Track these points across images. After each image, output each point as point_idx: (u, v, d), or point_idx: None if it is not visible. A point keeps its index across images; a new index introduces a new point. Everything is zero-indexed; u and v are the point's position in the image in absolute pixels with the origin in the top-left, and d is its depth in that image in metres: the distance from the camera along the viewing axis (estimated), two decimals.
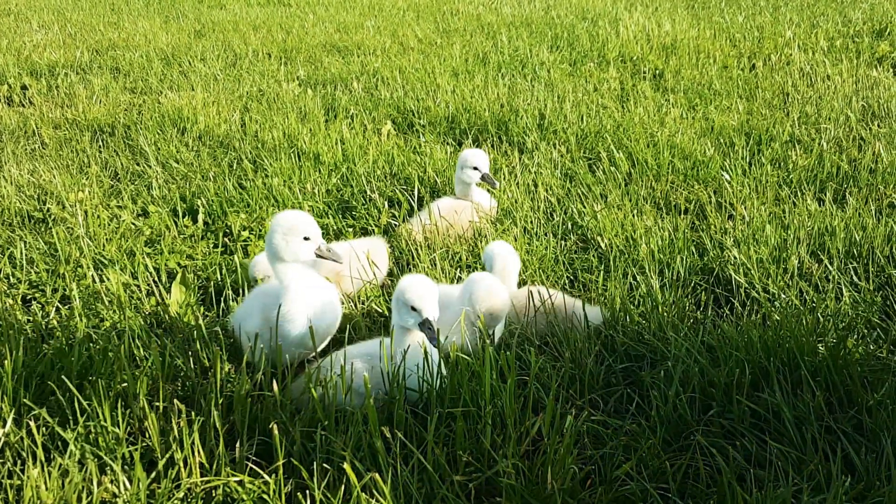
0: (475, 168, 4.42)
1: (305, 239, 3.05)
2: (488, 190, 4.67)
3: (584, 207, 4.53)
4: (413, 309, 2.92)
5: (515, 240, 4.18)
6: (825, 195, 4.52)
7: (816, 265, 3.77)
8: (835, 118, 5.83)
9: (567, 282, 3.89)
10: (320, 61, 8.69)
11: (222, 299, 3.66)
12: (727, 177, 4.83)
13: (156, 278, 3.81)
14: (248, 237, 4.38)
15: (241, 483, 2.48)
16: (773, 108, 6.22)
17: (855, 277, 3.68)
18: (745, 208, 4.39)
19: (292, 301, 3.06)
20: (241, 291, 3.62)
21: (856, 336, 3.22)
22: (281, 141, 5.82)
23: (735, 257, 3.83)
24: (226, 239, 4.42)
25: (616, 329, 3.36)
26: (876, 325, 3.32)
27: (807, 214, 4.23)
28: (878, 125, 5.68)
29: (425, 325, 2.91)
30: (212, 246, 4.37)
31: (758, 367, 2.98)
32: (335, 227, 4.50)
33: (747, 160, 5.13)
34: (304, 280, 3.10)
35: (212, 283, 3.88)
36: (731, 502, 2.33)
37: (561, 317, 3.39)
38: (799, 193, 4.60)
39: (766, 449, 2.62)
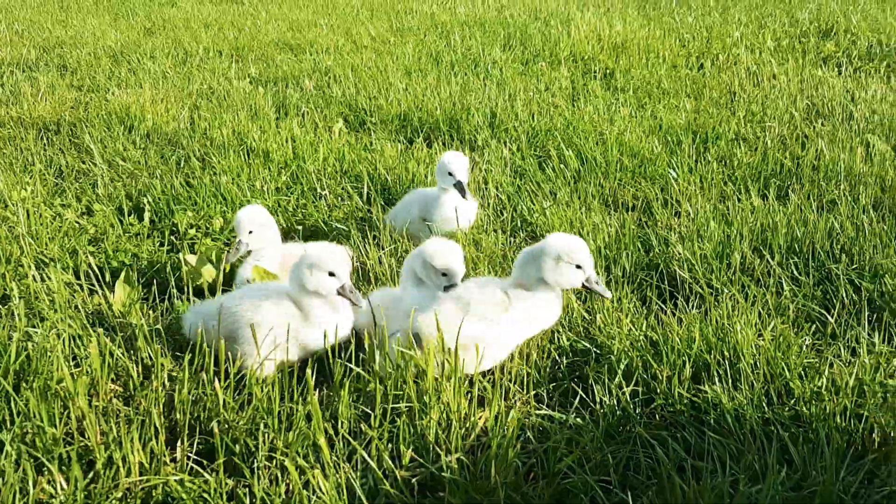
0: (450, 174, 4.17)
1: (331, 275, 3.04)
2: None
3: (534, 204, 4.55)
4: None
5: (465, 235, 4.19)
6: (769, 192, 4.59)
7: (759, 260, 3.82)
8: (779, 116, 5.92)
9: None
10: (272, 59, 8.63)
11: (166, 298, 3.62)
12: (674, 174, 4.88)
13: (99, 277, 3.74)
14: (195, 235, 4.33)
15: (180, 482, 2.45)
16: (719, 107, 6.29)
17: (796, 272, 3.74)
18: (691, 205, 4.43)
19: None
20: (185, 290, 3.57)
21: (795, 329, 3.27)
22: (230, 139, 5.76)
23: (679, 253, 3.86)
24: (172, 237, 4.37)
25: (562, 324, 3.38)
26: (815, 318, 3.37)
27: (750, 211, 4.29)
28: (822, 123, 5.77)
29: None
30: (158, 244, 4.31)
31: (700, 360, 3.02)
32: (285, 226, 4.46)
33: (694, 158, 5.18)
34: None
35: (156, 281, 3.83)
36: (669, 493, 2.35)
37: None
38: (743, 190, 4.66)
39: (707, 441, 2.65)
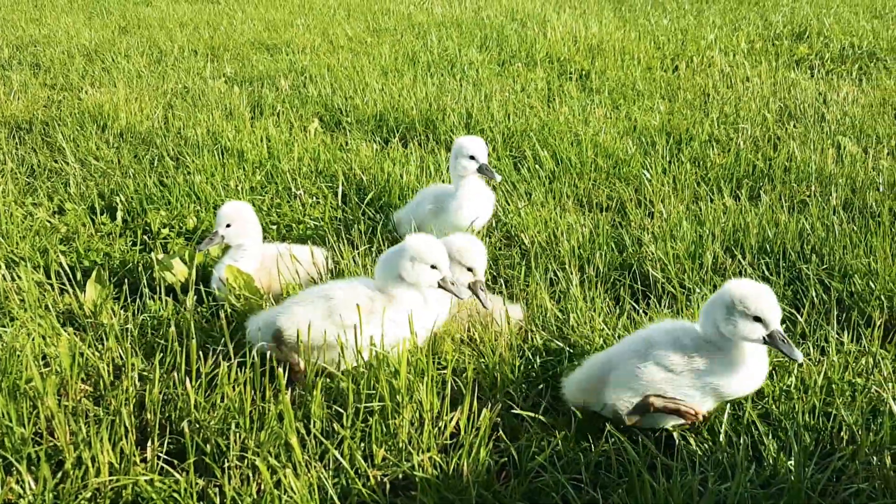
0: (472, 157, 4.00)
1: (433, 267, 3.03)
2: (487, 182, 4.28)
3: (509, 205, 4.55)
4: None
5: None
6: (741, 193, 4.62)
7: (730, 260, 3.85)
8: (752, 118, 5.96)
9: (490, 278, 3.90)
10: (248, 59, 8.59)
11: (138, 297, 3.59)
12: (648, 175, 4.90)
13: (70, 276, 3.71)
14: (168, 234, 4.30)
15: (150, 482, 2.43)
16: (693, 109, 6.33)
17: (767, 272, 3.76)
18: (664, 205, 4.46)
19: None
20: (157, 289, 3.55)
21: None
22: (205, 138, 5.73)
23: (652, 253, 3.89)
24: (145, 236, 4.34)
25: (535, 324, 3.39)
26: (785, 317, 3.40)
27: (722, 211, 4.32)
28: (794, 125, 5.82)
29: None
30: (130, 244, 4.28)
31: None
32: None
33: (667, 159, 5.21)
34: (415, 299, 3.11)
35: (128, 281, 3.80)
36: (639, 491, 2.37)
37: (482, 312, 3.40)
38: (716, 191, 4.69)
39: (677, 439, 2.67)
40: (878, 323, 3.18)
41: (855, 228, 4.06)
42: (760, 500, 2.36)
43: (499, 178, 4.09)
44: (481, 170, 4.03)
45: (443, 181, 4.88)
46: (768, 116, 5.98)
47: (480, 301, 3.21)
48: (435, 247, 3.05)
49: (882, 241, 3.83)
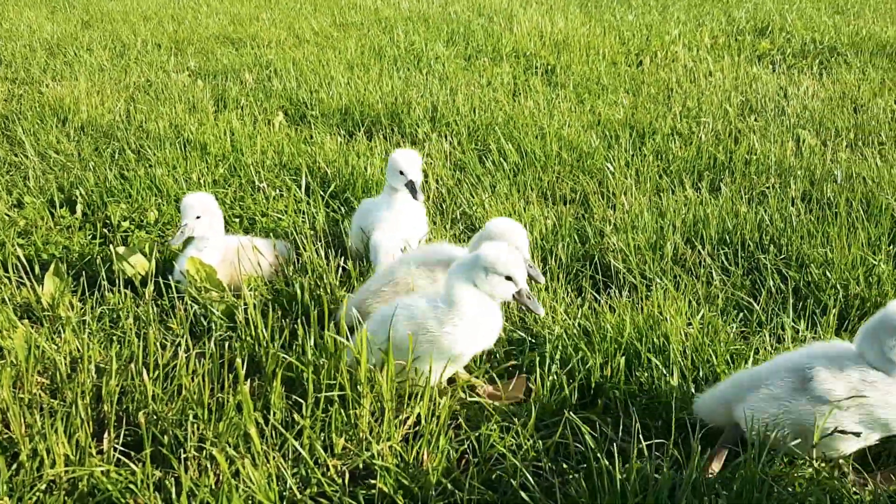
0: (401, 172, 3.83)
1: (508, 279, 2.84)
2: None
3: (473, 197, 4.56)
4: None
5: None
6: (702, 185, 4.66)
7: (690, 251, 3.89)
8: (714, 112, 6.02)
9: None
10: (212, 53, 8.52)
11: (96, 290, 3.55)
12: (611, 168, 4.93)
13: (28, 269, 3.66)
14: (129, 227, 4.26)
15: (106, 473, 2.41)
16: (657, 103, 6.37)
17: (726, 262, 3.80)
18: (626, 198, 4.48)
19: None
20: (116, 282, 3.51)
21: (723, 318, 3.33)
22: (167, 131, 5.68)
23: (614, 244, 3.91)
24: (105, 230, 4.30)
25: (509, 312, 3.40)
26: (743, 306, 3.44)
27: (683, 203, 4.35)
28: (755, 119, 5.89)
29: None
30: (90, 237, 4.23)
31: (631, 348, 3.06)
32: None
33: (630, 152, 5.25)
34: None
35: (87, 274, 3.76)
36: (596, 476, 2.38)
37: None
38: (678, 183, 4.73)
39: (635, 426, 2.69)
40: (833, 311, 3.23)
41: (812, 219, 4.12)
42: (714, 485, 2.38)
43: (421, 198, 3.87)
44: (407, 186, 3.85)
45: None
46: (730, 110, 6.03)
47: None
48: (510, 257, 2.83)
49: (838, 232, 3.88)
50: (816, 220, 4.11)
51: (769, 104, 6.20)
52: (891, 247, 3.83)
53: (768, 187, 4.59)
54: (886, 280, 3.49)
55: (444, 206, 4.54)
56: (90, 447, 2.53)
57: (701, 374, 2.93)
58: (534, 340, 3.21)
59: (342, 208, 4.54)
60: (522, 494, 2.44)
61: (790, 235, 3.94)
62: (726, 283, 3.60)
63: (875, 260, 3.64)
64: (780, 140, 5.32)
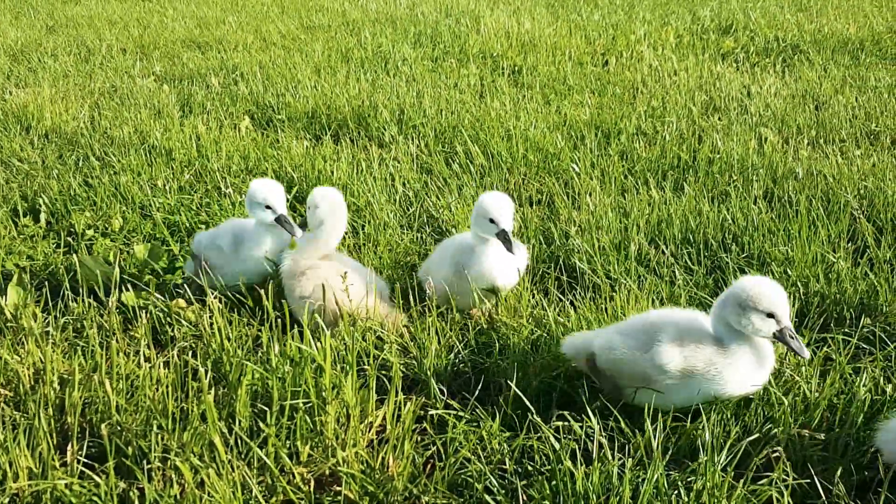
0: (491, 221, 3.29)
1: (769, 316, 2.68)
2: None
3: (440, 200, 4.57)
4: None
5: (375, 230, 4.19)
6: (666, 185, 4.70)
7: (654, 251, 3.92)
8: (678, 112, 6.06)
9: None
10: (178, 57, 8.47)
11: (60, 299, 3.53)
12: (576, 168, 4.96)
13: None
14: (93, 236, 4.24)
15: (69, 486, 2.40)
16: (622, 103, 6.42)
17: (689, 262, 3.84)
18: (591, 198, 4.51)
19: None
20: (79, 291, 3.49)
21: None
22: (132, 137, 5.65)
23: (579, 245, 3.94)
24: (69, 238, 4.26)
25: (466, 317, 3.42)
26: (706, 306, 3.48)
27: (648, 203, 4.39)
28: (718, 118, 5.94)
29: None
30: (54, 246, 4.20)
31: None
32: (188, 225, 4.39)
33: (596, 153, 5.28)
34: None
35: (50, 283, 3.74)
36: (559, 477, 2.40)
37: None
38: (642, 183, 4.76)
39: (599, 427, 2.71)
40: (792, 308, 3.27)
41: (773, 217, 4.17)
42: (676, 482, 2.41)
43: (519, 251, 3.43)
44: (499, 235, 3.32)
45: (374, 178, 4.88)
46: (694, 109, 6.09)
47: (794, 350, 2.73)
48: (768, 290, 2.68)
49: (799, 230, 3.93)
50: (778, 218, 4.16)
51: (732, 103, 6.26)
52: (849, 244, 3.89)
53: (731, 186, 4.64)
54: (845, 277, 3.54)
55: (410, 210, 4.54)
56: (53, 460, 2.51)
57: None
58: (500, 342, 3.22)
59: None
60: (487, 498, 2.46)
61: (752, 234, 3.98)
62: (689, 283, 3.64)
63: (834, 257, 3.70)
64: (742, 139, 5.37)
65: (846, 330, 3.25)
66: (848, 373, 2.96)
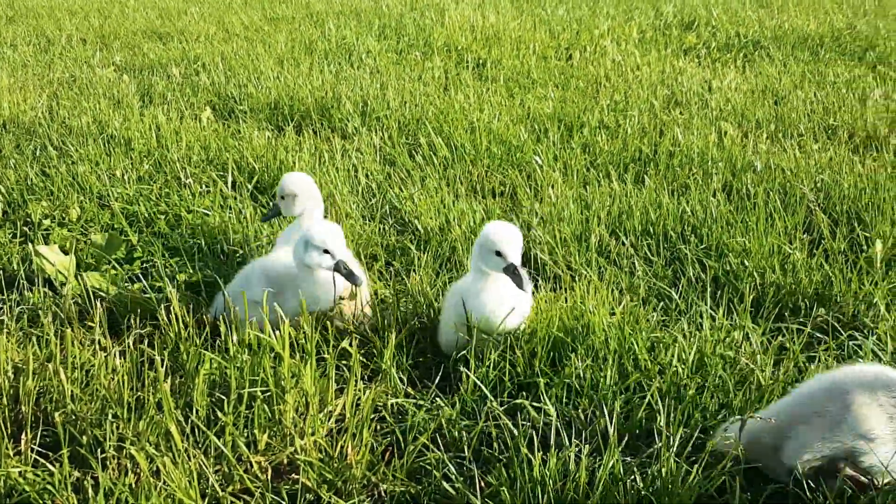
0: (498, 254, 2.97)
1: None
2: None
3: (402, 191, 4.57)
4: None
5: (338, 221, 4.17)
6: (627, 177, 4.74)
7: (614, 242, 3.95)
8: (640, 106, 6.11)
9: (384, 265, 3.90)
10: (139, 47, 8.39)
11: (15, 289, 3.48)
12: (539, 161, 4.98)
13: None
14: (50, 225, 4.18)
15: (22, 474, 2.37)
16: (585, 97, 6.45)
17: (649, 253, 3.88)
18: (553, 190, 4.53)
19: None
20: (35, 280, 3.45)
21: (645, 307, 3.40)
22: (90, 127, 5.58)
23: (540, 236, 3.96)
24: (25, 228, 4.21)
25: (432, 308, 3.42)
26: (665, 296, 3.51)
27: (609, 195, 4.42)
28: (679, 112, 6.00)
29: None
30: (10, 235, 4.14)
31: (557, 339, 3.10)
32: (147, 215, 4.35)
33: (558, 145, 5.30)
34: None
35: (5, 272, 3.68)
36: (517, 464, 2.42)
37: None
38: (604, 176, 4.79)
39: (557, 415, 2.73)
40: (748, 298, 3.31)
41: (732, 209, 4.22)
42: (632, 468, 2.44)
43: (529, 287, 3.03)
44: (507, 270, 3.00)
45: (337, 169, 4.86)
46: (655, 103, 6.14)
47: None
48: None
49: (756, 221, 3.98)
50: (736, 210, 4.21)
51: (693, 97, 6.32)
52: (805, 235, 3.95)
53: (690, 178, 4.68)
54: (801, 268, 3.59)
55: (372, 201, 4.54)
56: (7, 448, 2.48)
57: (627, 362, 2.98)
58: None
59: (270, 202, 4.51)
60: (445, 485, 2.47)
61: (710, 226, 4.03)
62: (648, 274, 3.67)
63: (791, 249, 3.75)
64: (703, 132, 5.43)
65: (801, 320, 3.30)
66: (802, 361, 3.01)
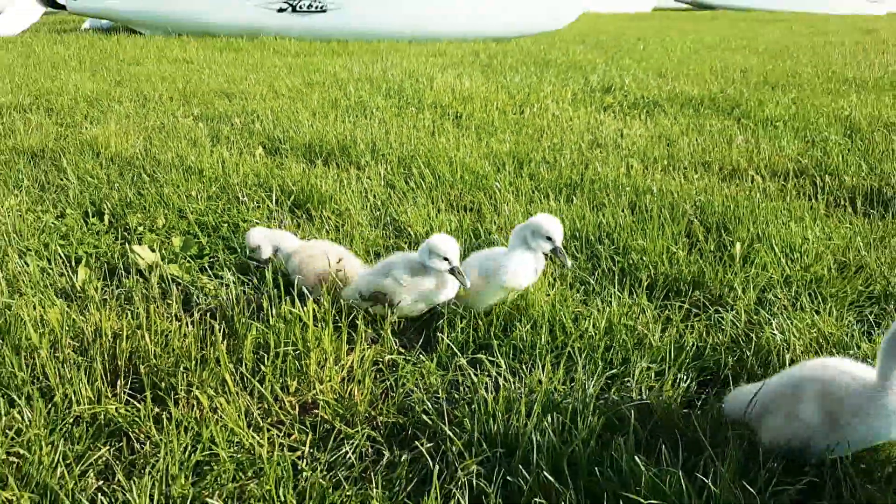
0: (549, 238, 3.01)
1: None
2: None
3: (400, 207, 4.56)
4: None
5: (352, 228, 4.15)
6: (561, 197, 4.74)
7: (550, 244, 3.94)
8: (571, 146, 6.11)
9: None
10: (211, 103, 8.31)
11: (117, 277, 3.45)
12: (498, 185, 4.97)
13: (66, 263, 3.54)
14: (143, 231, 4.14)
15: (117, 409, 2.35)
16: (532, 140, 6.44)
17: (575, 252, 3.88)
18: (508, 207, 4.53)
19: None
20: (130, 271, 3.41)
21: (571, 290, 3.40)
22: (174, 160, 5.53)
23: (497, 239, 3.95)
24: (125, 233, 4.17)
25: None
26: (585, 282, 3.51)
27: (547, 210, 4.41)
28: (600, 151, 6.00)
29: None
30: (113, 238, 4.10)
31: (508, 314, 3.10)
32: (213, 224, 4.31)
33: (513, 175, 5.30)
34: None
35: (109, 265, 3.65)
36: (477, 401, 2.41)
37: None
38: (544, 197, 4.79)
39: (509, 367, 2.73)
40: (644, 284, 3.32)
41: (635, 220, 4.22)
42: (558, 403, 2.43)
43: (468, 283, 2.99)
44: (553, 252, 3.05)
45: (353, 191, 4.83)
46: (582, 145, 6.14)
47: None
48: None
49: (651, 230, 3.99)
50: (637, 221, 4.21)
51: (610, 141, 6.32)
52: (686, 239, 3.96)
53: (606, 199, 4.69)
54: (682, 262, 3.60)
55: (377, 214, 4.52)
56: (107, 392, 2.46)
57: (557, 334, 2.98)
58: (440, 307, 3.22)
59: (304, 215, 4.49)
60: (424, 417, 2.46)
61: (619, 232, 4.03)
62: (574, 266, 3.67)
63: (675, 248, 3.76)
64: (616, 166, 5.43)
65: (682, 299, 3.31)
66: (681, 328, 3.02)
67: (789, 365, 2.70)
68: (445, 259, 2.91)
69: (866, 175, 5.22)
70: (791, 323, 2.98)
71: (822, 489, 2.10)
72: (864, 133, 6.68)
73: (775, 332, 2.91)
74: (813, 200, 4.72)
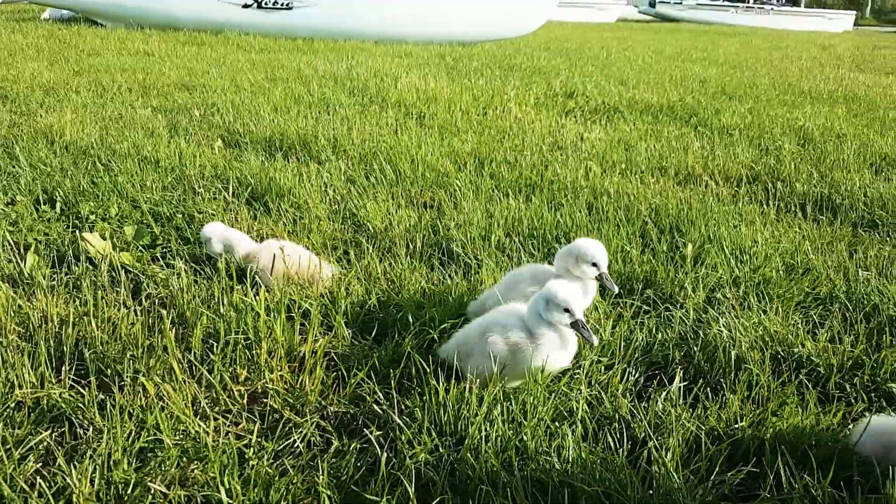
0: (594, 265, 2.80)
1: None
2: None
3: (360, 202, 4.54)
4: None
5: (310, 221, 4.12)
6: (520, 197, 4.77)
7: (509, 241, 3.98)
8: (532, 148, 6.17)
9: (343, 253, 3.86)
10: (171, 95, 8.17)
11: (65, 264, 3.36)
12: (458, 184, 4.99)
13: (15, 249, 3.44)
14: (94, 220, 4.05)
15: (60, 395, 2.29)
16: (494, 141, 6.48)
17: (532, 249, 3.91)
18: (467, 204, 4.54)
19: None
20: (80, 258, 3.33)
21: None
22: (130, 150, 5.42)
23: (456, 236, 3.96)
24: (77, 221, 4.07)
25: (377, 283, 3.40)
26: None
27: (506, 208, 4.45)
28: (560, 153, 6.07)
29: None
30: (65, 226, 4.00)
31: (462, 305, 3.11)
32: (167, 214, 4.24)
33: (474, 174, 5.32)
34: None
35: (58, 252, 3.56)
36: (428, 392, 2.42)
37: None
38: (504, 196, 4.82)
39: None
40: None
41: (592, 221, 4.28)
42: (509, 394, 2.45)
43: (616, 289, 2.92)
44: (599, 278, 2.84)
45: (312, 185, 4.80)
46: (543, 147, 6.20)
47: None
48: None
49: (608, 229, 4.05)
50: (594, 221, 4.27)
51: (570, 144, 6.40)
52: (640, 239, 4.03)
53: (565, 199, 4.74)
54: (635, 260, 3.67)
55: (338, 208, 4.50)
56: (50, 377, 2.40)
57: None
58: (397, 299, 3.22)
59: (261, 208, 4.45)
60: (375, 407, 2.45)
61: (576, 232, 4.08)
62: (531, 261, 3.70)
63: (630, 248, 3.82)
64: (575, 168, 5.50)
65: (635, 297, 3.37)
66: (632, 325, 3.07)
67: (735, 361, 2.77)
68: (566, 311, 2.43)
69: (817, 182, 5.38)
70: (738, 321, 3.06)
71: (765, 478, 2.17)
72: (816, 143, 6.90)
73: (721, 329, 2.98)
74: (765, 206, 4.85)
